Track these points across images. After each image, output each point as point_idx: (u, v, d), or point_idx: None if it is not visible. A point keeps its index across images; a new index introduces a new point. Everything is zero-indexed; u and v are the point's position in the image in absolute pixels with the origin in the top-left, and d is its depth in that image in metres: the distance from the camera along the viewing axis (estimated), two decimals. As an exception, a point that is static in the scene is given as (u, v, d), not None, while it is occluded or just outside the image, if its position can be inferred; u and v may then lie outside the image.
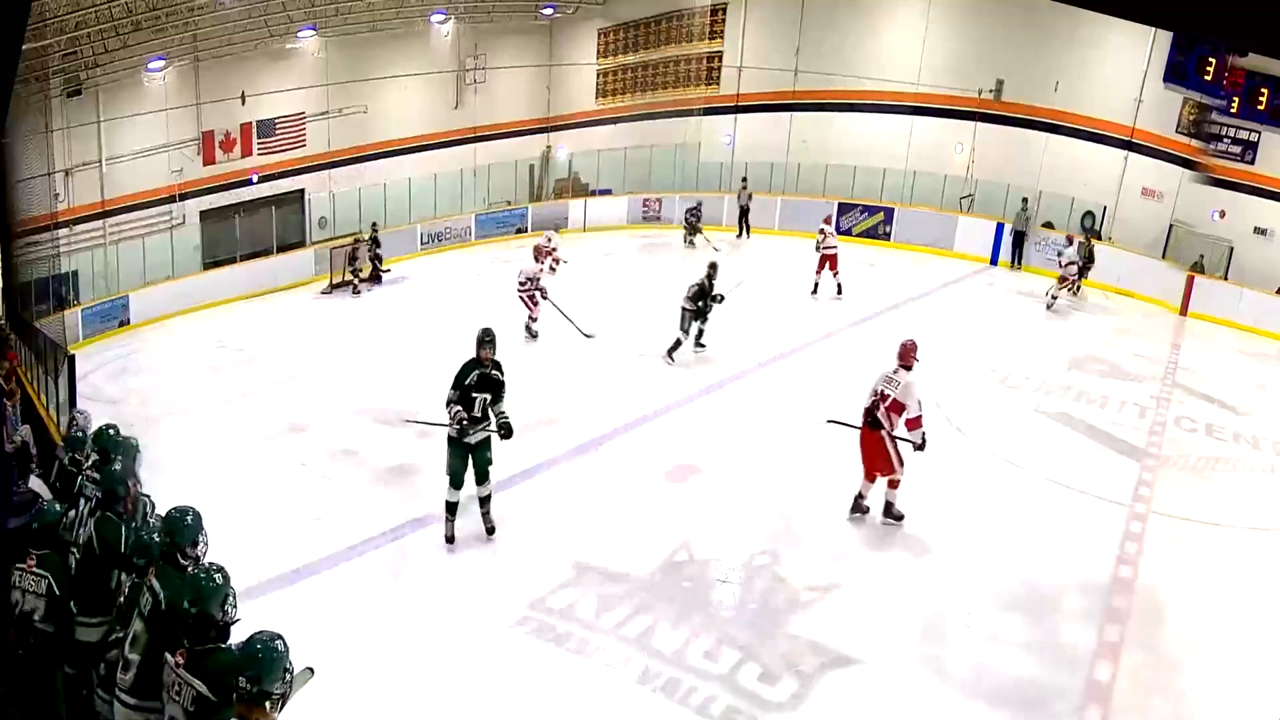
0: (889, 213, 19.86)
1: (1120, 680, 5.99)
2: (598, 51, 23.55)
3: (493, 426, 6.94)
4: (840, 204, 19.73)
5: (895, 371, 7.28)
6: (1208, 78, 16.88)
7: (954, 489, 8.37)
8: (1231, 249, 17.68)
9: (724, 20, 21.79)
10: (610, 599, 6.50)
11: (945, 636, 6.30)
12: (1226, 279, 17.26)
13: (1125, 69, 17.99)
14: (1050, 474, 8.88)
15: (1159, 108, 17.87)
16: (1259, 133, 17.50)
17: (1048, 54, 18.50)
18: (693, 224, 19.17)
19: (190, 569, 3.76)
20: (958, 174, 19.62)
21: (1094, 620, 6.62)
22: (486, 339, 6.96)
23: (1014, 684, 5.86)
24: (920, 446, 7.21)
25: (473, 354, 6.94)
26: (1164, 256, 18.01)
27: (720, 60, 21.99)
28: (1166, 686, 5.98)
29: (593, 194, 22.42)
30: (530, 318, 12.76)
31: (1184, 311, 16.88)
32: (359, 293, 16.61)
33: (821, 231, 15.30)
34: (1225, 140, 17.72)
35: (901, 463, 7.38)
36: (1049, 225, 18.80)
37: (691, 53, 22.31)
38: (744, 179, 20.34)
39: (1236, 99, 17.14)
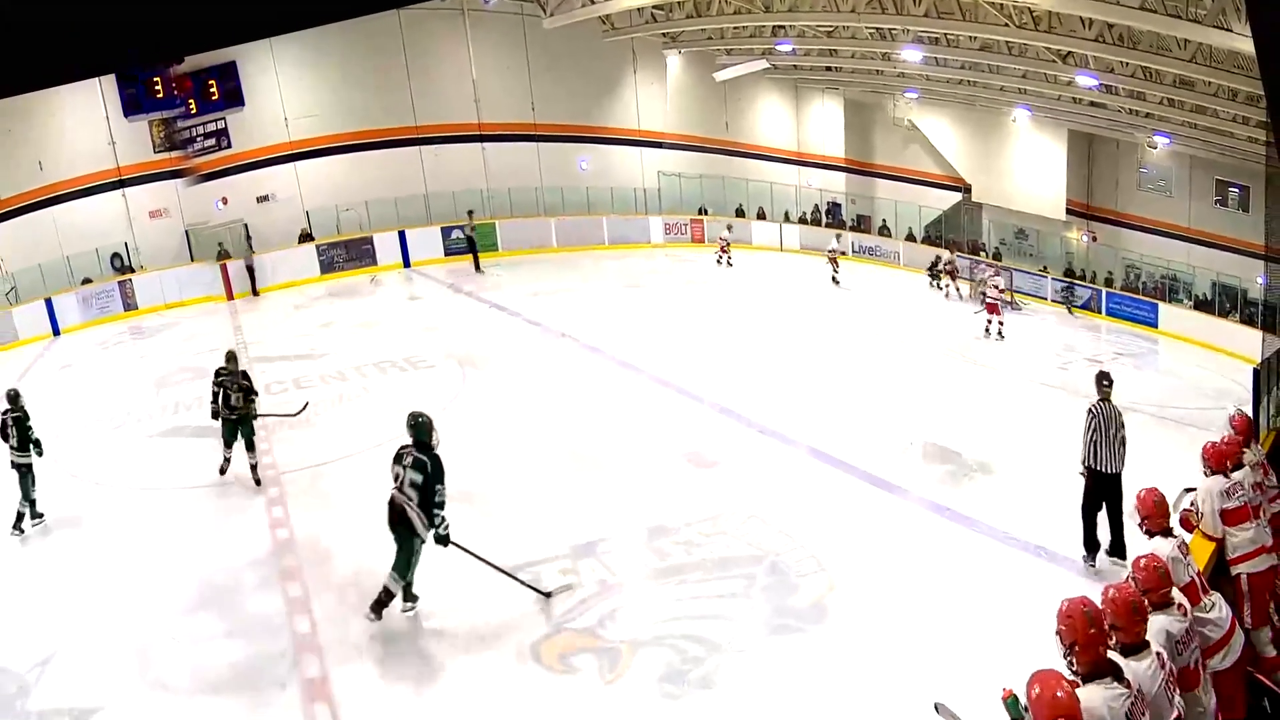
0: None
1: (321, 626, 6.74)
2: None
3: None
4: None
5: (996, 273, 16.53)
6: (159, 95, 18.93)
7: (108, 531, 8.67)
8: (246, 225, 20.69)
9: None
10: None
11: (149, 656, 6.52)
12: (253, 251, 20.28)
13: (91, 120, 19.07)
14: (185, 483, 9.56)
15: (134, 139, 19.54)
16: (224, 119, 20.15)
17: (22, 137, 18.21)
18: None
19: None
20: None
21: (273, 586, 7.34)
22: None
23: (232, 669, 6.33)
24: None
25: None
26: (192, 260, 20.35)
27: None
28: (359, 612, 6.78)
29: None
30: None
31: (230, 296, 19.87)
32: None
33: None
34: (199, 140, 20.02)
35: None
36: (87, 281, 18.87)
37: None
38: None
39: (193, 101, 19.42)
